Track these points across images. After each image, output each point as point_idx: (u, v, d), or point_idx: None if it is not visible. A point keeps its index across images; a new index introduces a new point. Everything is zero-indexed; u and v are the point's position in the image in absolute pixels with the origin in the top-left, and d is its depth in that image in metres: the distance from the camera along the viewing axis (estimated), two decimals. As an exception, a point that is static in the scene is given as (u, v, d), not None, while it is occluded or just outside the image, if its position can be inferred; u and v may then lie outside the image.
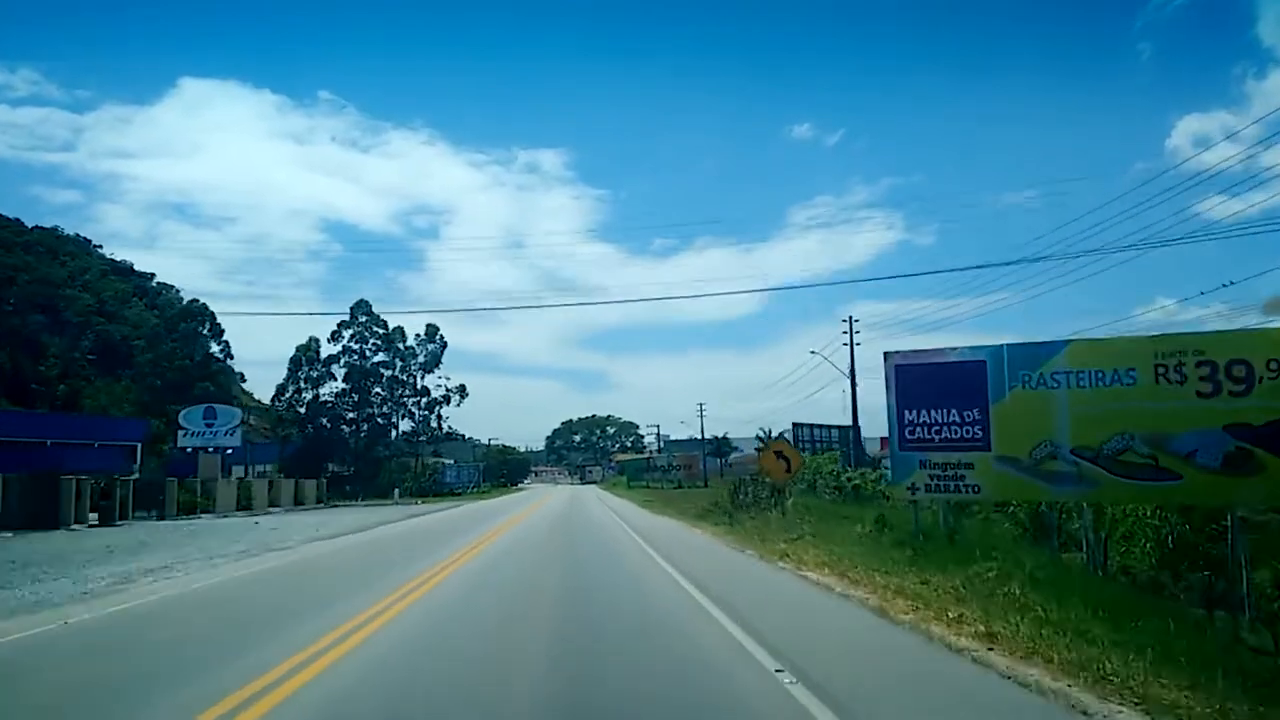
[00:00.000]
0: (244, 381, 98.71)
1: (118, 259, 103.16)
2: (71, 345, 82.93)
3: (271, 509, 44.00)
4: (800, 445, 32.95)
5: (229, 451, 45.41)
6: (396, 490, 55.29)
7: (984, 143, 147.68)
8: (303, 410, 77.92)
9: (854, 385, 38.41)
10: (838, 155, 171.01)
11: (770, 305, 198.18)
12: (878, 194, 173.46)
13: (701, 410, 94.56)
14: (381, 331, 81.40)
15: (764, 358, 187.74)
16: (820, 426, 34.80)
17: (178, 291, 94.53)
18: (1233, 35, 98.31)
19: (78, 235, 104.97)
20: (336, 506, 51.73)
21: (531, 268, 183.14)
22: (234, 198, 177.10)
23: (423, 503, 53.61)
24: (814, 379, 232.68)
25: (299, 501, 48.44)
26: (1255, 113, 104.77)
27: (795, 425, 33.75)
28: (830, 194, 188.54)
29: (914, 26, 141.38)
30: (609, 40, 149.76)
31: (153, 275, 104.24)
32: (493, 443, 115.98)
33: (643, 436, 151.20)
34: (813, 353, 37.34)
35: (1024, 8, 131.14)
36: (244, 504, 41.46)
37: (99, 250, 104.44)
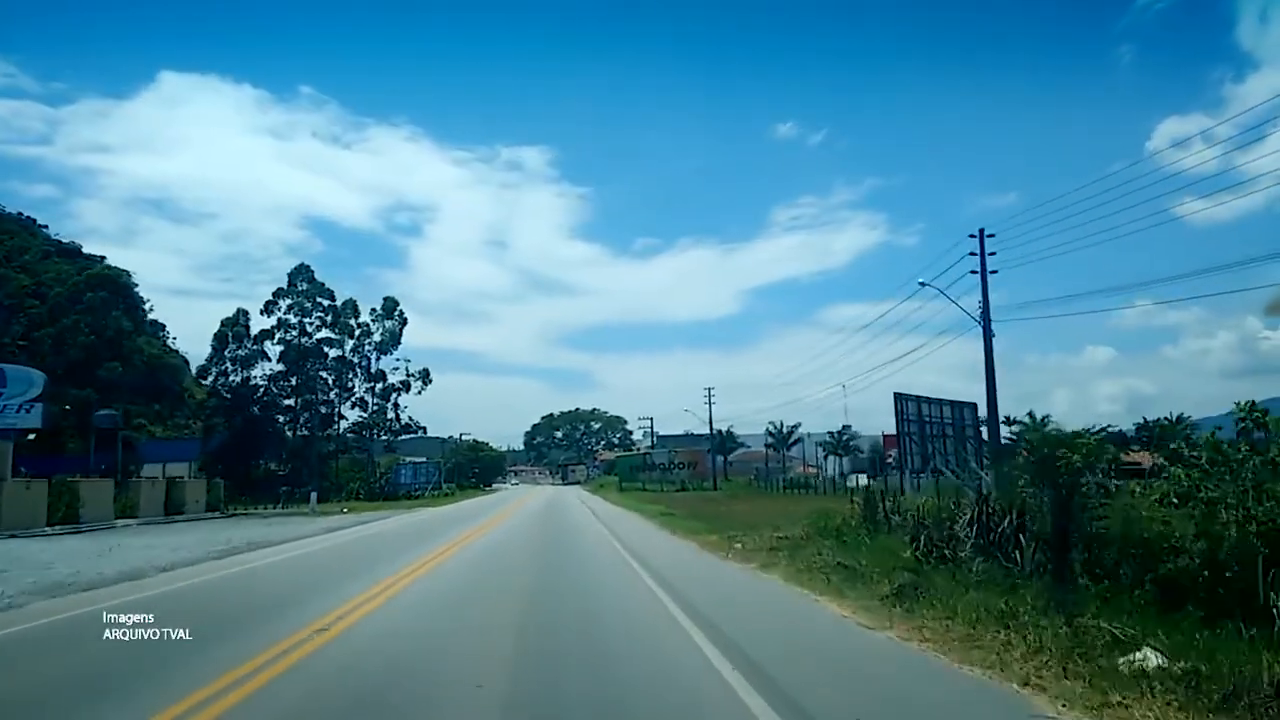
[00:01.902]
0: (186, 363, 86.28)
1: (64, 240, 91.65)
2: (1, 329, 72.86)
3: (121, 521, 31.01)
4: (906, 427, 20.22)
5: (23, 434, 31.83)
6: (314, 494, 41.91)
7: (967, 143, 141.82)
8: (229, 396, 64.69)
9: (987, 330, 25.65)
10: (821, 155, 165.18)
11: (751, 306, 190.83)
12: (861, 194, 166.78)
13: (710, 396, 79.16)
14: (327, 304, 68.09)
15: (748, 358, 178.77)
16: (930, 401, 22.01)
17: (129, 274, 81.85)
18: (1212, 38, 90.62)
19: (20, 214, 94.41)
20: (234, 515, 38.86)
21: (514, 266, 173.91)
22: (213, 193, 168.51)
23: (351, 511, 40.61)
24: (817, 381, 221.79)
25: (173, 510, 35.16)
26: (1232, 115, 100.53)
27: (897, 396, 20.56)
28: (814, 194, 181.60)
29: (897, 27, 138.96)
30: (592, 38, 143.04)
31: (103, 258, 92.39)
32: (463, 438, 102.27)
33: (630, 432, 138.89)
34: (922, 284, 25.30)
35: (1008, 9, 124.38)
36: (65, 515, 28.37)
37: (44, 230, 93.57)
